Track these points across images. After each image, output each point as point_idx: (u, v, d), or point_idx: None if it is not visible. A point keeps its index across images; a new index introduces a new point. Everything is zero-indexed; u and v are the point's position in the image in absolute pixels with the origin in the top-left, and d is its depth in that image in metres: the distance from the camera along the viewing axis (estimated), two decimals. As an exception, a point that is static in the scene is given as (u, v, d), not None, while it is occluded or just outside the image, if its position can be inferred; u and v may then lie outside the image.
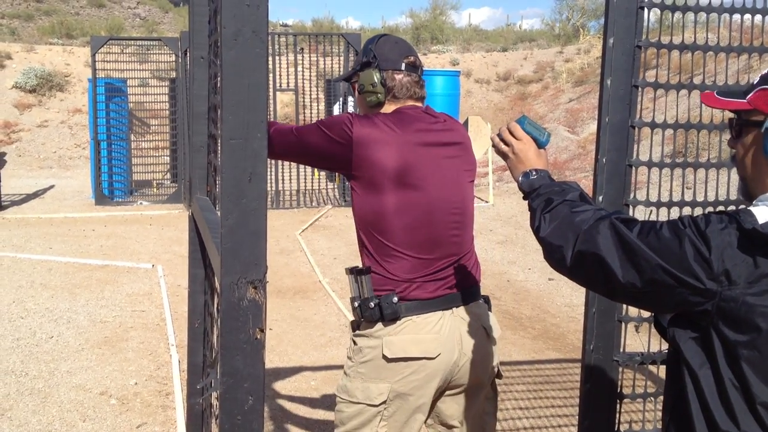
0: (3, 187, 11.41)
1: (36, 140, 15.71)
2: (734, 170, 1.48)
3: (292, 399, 4.14)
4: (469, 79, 18.51)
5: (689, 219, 1.32)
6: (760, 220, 1.25)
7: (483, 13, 76.14)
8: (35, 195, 12.11)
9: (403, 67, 2.21)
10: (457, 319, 2.16)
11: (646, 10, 2.26)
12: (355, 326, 2.19)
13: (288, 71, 10.92)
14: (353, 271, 2.16)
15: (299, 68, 11.29)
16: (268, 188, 11.17)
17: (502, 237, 8.60)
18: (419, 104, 2.25)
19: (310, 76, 11.65)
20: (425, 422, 2.20)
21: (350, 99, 12.10)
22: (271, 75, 10.81)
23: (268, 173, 10.56)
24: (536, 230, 1.56)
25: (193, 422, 1.96)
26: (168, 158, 13.01)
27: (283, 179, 11.26)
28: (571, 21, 25.39)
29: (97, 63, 11.13)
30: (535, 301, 6.22)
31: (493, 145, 1.78)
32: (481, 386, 2.23)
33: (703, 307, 1.29)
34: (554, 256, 1.49)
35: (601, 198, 2.23)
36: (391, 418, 2.10)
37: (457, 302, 2.18)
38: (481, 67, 18.52)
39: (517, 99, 17.14)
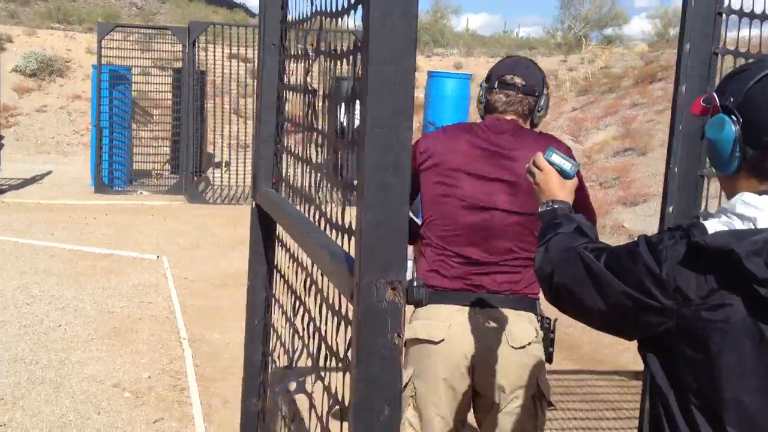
0: (1, 171, 11.27)
1: (34, 125, 15.52)
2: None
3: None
4: (472, 84, 18.44)
5: (643, 237, 1.27)
6: (710, 233, 1.19)
7: (480, 19, 76.26)
8: (33, 180, 11.95)
9: (495, 85, 2.34)
10: (476, 318, 2.20)
11: (724, 16, 2.19)
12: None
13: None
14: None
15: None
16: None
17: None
18: (507, 117, 2.33)
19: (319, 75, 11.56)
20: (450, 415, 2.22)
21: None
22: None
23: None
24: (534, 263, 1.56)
25: (249, 422, 1.87)
26: (168, 149, 12.89)
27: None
28: (573, 30, 25.44)
29: (102, 50, 10.99)
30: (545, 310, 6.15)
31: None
32: (503, 395, 2.19)
33: (666, 326, 1.23)
34: (543, 290, 1.50)
35: (671, 209, 2.16)
36: (412, 398, 2.22)
37: (481, 304, 2.20)
38: (484, 72, 18.42)
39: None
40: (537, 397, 2.22)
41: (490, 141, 2.29)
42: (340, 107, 12.43)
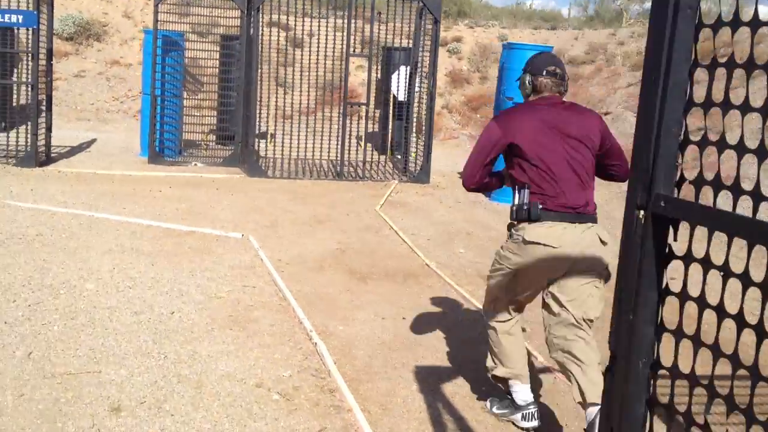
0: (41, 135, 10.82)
1: (73, 90, 15.09)
2: None
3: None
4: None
5: None
6: None
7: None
8: (80, 148, 11.55)
9: (544, 73, 3.44)
10: (579, 229, 3.22)
11: None
12: (510, 226, 3.39)
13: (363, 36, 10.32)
14: (515, 184, 3.35)
15: (374, 33, 10.70)
16: (334, 158, 10.66)
17: (599, 227, 8.12)
18: (557, 95, 3.46)
19: (385, 41, 11.06)
20: (541, 293, 3.42)
21: (403, 68, 11.55)
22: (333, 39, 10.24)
23: (330, 142, 9.99)
24: None
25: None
26: (214, 119, 12.45)
27: (357, 150, 10.74)
28: (617, 2, 24.71)
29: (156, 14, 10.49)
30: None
31: None
32: (591, 273, 3.25)
33: None
34: None
35: None
36: (509, 279, 3.38)
37: (582, 220, 3.24)
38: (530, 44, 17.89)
39: (568, 80, 16.58)
40: (605, 275, 3.29)
41: (558, 109, 3.41)
42: (394, 78, 11.95)
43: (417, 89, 10.94)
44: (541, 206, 3.21)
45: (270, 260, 6.00)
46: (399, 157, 11.92)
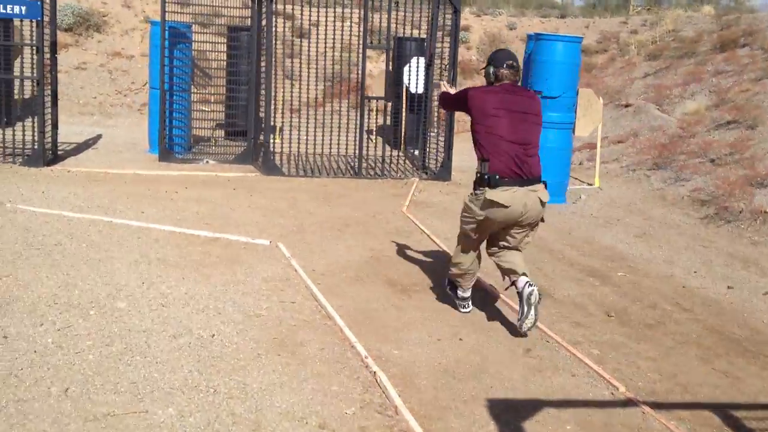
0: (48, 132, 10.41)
1: (74, 83, 14.63)
2: None
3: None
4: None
5: None
6: None
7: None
8: (87, 145, 11.16)
9: (505, 66, 4.55)
10: (525, 191, 4.41)
11: None
12: (476, 185, 4.52)
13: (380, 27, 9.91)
14: (479, 159, 4.51)
15: (392, 24, 10.28)
16: (353, 153, 10.26)
17: (637, 229, 7.77)
18: (512, 82, 4.58)
19: (402, 32, 10.63)
20: (493, 241, 4.79)
21: (416, 60, 11.14)
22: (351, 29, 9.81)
23: (346, 137, 9.53)
24: None
25: None
26: (223, 114, 12.03)
27: (367, 145, 10.35)
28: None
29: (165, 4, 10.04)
30: (736, 315, 5.42)
31: None
32: (531, 226, 4.61)
33: None
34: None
35: None
36: (479, 225, 4.59)
37: (528, 183, 4.42)
38: (538, 30, 17.49)
39: (582, 70, 16.20)
40: (538, 223, 4.62)
41: (515, 93, 4.56)
42: (407, 70, 11.54)
43: (436, 81, 10.54)
44: (497, 176, 4.41)
45: (304, 270, 5.64)
46: (413, 152, 11.54)
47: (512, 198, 4.39)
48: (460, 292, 5.03)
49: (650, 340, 4.82)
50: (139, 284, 4.99)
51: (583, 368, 4.26)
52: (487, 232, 4.71)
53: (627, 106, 13.01)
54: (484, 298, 5.38)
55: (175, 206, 7.43)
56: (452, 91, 5.14)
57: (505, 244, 4.72)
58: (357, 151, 10.02)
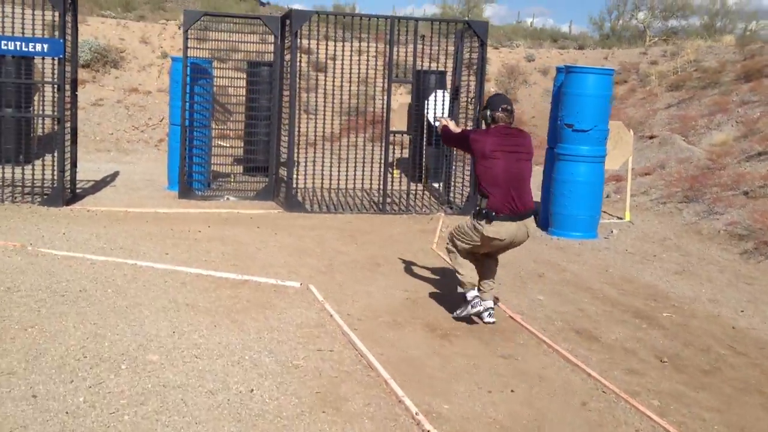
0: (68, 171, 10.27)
1: (91, 119, 14.55)
2: None
3: None
4: (546, 77, 17.41)
5: None
6: None
7: (488, 10, 74.24)
8: (104, 182, 11.01)
9: (500, 109, 5.22)
10: (516, 225, 5.16)
11: None
12: (474, 216, 5.26)
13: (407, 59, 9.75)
14: (479, 193, 5.25)
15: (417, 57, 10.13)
16: (377, 188, 10.06)
17: (676, 266, 7.50)
18: (506, 124, 5.25)
19: (422, 65, 10.47)
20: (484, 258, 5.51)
21: (439, 92, 10.97)
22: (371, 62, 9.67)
23: (371, 169, 9.22)
24: None
25: None
26: (242, 149, 11.88)
27: (392, 182, 10.15)
28: (634, 19, 24.25)
29: (179, 41, 9.94)
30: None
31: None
32: (515, 247, 5.41)
33: None
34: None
35: None
36: (473, 247, 5.33)
37: (520, 217, 5.17)
38: (559, 65, 17.35)
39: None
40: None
41: (509, 135, 5.24)
42: (428, 102, 11.37)
43: (462, 115, 10.36)
44: (494, 213, 5.12)
45: (339, 315, 5.41)
46: (436, 186, 11.34)
47: (506, 233, 5.17)
48: (471, 304, 5.42)
49: (709, 388, 4.55)
50: (169, 333, 4.77)
51: (646, 422, 3.99)
52: (480, 251, 5.44)
53: (652, 137, 12.80)
54: (528, 343, 5.12)
55: (200, 246, 7.23)
56: (452, 125, 5.76)
57: (490, 253, 5.56)
58: (381, 187, 9.82)
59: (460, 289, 5.53)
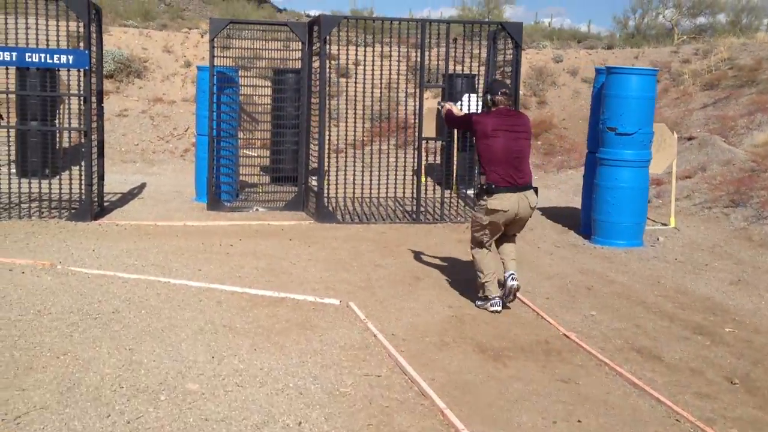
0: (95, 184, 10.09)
1: (116, 131, 14.39)
2: None
3: None
4: (575, 78, 17.03)
5: None
6: None
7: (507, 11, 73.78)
8: (131, 195, 10.81)
9: (499, 93, 5.72)
10: (517, 196, 5.59)
11: None
12: (477, 197, 5.83)
13: (438, 63, 9.46)
14: (480, 172, 5.76)
15: (450, 61, 9.84)
16: (408, 196, 9.79)
17: (731, 276, 7.13)
18: (507, 107, 5.76)
19: (454, 69, 10.15)
20: (497, 236, 5.86)
21: (471, 95, 10.66)
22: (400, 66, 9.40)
23: (402, 176, 8.95)
24: None
25: None
26: (269, 159, 11.65)
27: (426, 191, 9.85)
28: (661, 17, 23.78)
29: (202, 49, 9.72)
30: None
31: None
32: (522, 222, 5.78)
33: None
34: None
35: None
36: (486, 228, 5.73)
37: (520, 189, 5.60)
38: (588, 65, 16.97)
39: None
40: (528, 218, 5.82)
41: (508, 116, 5.75)
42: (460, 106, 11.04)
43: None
44: (494, 185, 5.53)
45: (383, 335, 5.12)
46: (466, 192, 11.03)
47: (508, 203, 5.57)
48: (489, 301, 5.83)
49: (788, 413, 4.21)
50: (208, 359, 4.51)
51: (728, 455, 3.67)
52: (495, 233, 5.77)
53: (690, 139, 12.39)
54: (587, 365, 4.80)
55: (233, 262, 6.98)
56: (455, 109, 6.29)
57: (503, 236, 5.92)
58: (415, 195, 9.54)
59: (480, 293, 5.95)
